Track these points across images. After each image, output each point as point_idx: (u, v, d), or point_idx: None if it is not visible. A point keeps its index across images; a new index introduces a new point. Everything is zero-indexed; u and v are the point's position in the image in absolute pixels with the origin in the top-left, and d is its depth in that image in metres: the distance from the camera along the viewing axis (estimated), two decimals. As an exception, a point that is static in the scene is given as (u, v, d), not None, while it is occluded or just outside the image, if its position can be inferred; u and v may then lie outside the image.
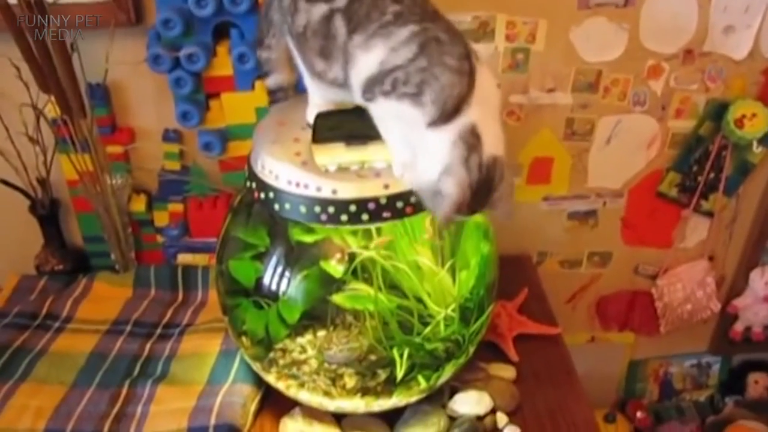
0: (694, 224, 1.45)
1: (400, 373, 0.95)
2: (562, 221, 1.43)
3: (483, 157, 0.75)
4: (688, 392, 1.73)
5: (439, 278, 0.96)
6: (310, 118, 0.89)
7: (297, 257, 0.94)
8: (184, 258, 1.30)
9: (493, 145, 0.76)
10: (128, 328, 1.17)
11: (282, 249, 0.95)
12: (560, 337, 1.20)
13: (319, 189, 0.82)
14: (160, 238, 1.30)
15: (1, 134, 1.19)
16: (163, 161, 1.25)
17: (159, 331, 1.17)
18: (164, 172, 1.26)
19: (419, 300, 0.95)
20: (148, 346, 1.13)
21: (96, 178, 1.20)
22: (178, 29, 1.10)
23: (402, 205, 0.83)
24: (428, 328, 0.95)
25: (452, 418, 1.03)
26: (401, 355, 0.94)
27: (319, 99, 0.89)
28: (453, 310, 0.96)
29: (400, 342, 0.95)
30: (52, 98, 1.13)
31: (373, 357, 0.96)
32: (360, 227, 0.88)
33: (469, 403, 1.04)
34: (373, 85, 0.77)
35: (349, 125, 0.86)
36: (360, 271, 0.93)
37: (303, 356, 0.98)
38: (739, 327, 1.59)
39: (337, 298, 0.94)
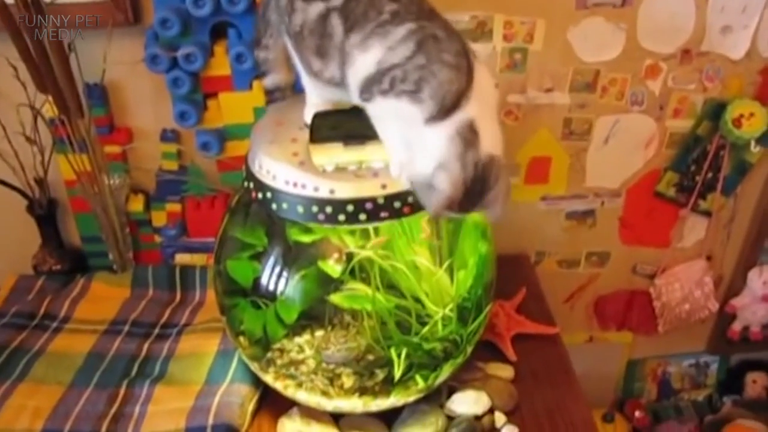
0: (692, 224, 1.45)
1: (398, 373, 0.95)
2: (560, 221, 1.44)
3: (479, 155, 0.75)
4: (686, 392, 1.73)
5: (436, 278, 0.96)
6: (308, 118, 0.89)
7: (295, 257, 0.94)
8: (181, 258, 1.30)
9: (490, 143, 0.76)
10: (126, 328, 1.17)
11: (280, 249, 0.95)
12: (558, 337, 1.20)
13: (316, 189, 0.82)
14: (157, 238, 1.30)
15: (-1, 134, 1.19)
16: (160, 161, 1.25)
17: (157, 331, 1.17)
18: (162, 172, 1.26)
19: (417, 300, 0.95)
20: (146, 346, 1.13)
21: (94, 178, 1.20)
22: (176, 29, 1.10)
23: (399, 205, 0.83)
24: (426, 328, 0.95)
25: (450, 418, 1.03)
26: (399, 355, 0.94)
27: (316, 99, 0.89)
28: (451, 310, 0.96)
29: (398, 342, 0.95)
30: (50, 98, 1.13)
31: (370, 357, 0.96)
32: (357, 227, 0.88)
33: (467, 402, 1.04)
34: (371, 85, 0.77)
35: (347, 125, 0.86)
36: (358, 270, 0.93)
37: (301, 356, 0.98)
38: (737, 326, 1.59)
39: (335, 298, 0.94)
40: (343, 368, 0.97)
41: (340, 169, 0.84)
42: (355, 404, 0.97)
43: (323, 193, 0.82)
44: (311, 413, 1.00)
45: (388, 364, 0.95)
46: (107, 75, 1.16)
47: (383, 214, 0.83)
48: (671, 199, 1.41)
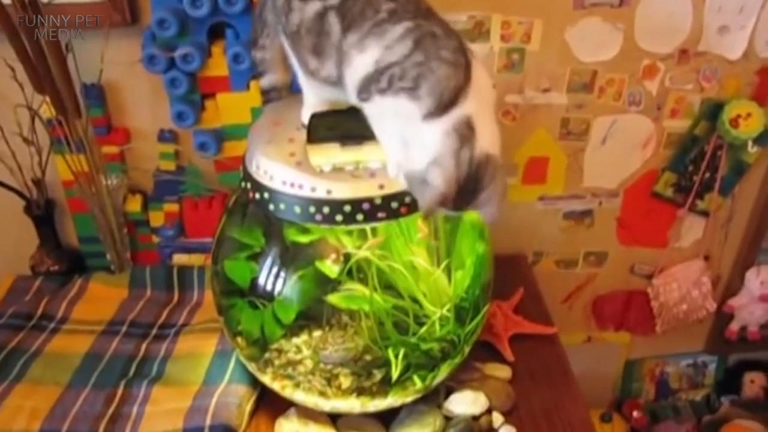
0: (690, 224, 1.46)
1: (395, 374, 0.95)
2: (557, 221, 1.44)
3: (474, 153, 0.75)
4: (684, 392, 1.73)
5: (434, 278, 0.96)
6: (305, 118, 0.89)
7: (292, 257, 0.94)
8: (179, 258, 1.30)
9: (487, 142, 0.76)
10: (124, 328, 1.17)
11: (277, 249, 0.95)
12: (556, 337, 1.20)
13: (313, 189, 0.82)
14: (155, 239, 1.30)
15: (-4, 135, 1.19)
16: (158, 161, 1.25)
17: (154, 331, 1.17)
18: (159, 172, 1.26)
19: (415, 300, 0.95)
20: (143, 346, 1.13)
21: (91, 179, 1.20)
22: (173, 29, 1.09)
23: (397, 206, 0.83)
24: (424, 328, 0.95)
25: (448, 418, 1.03)
26: (397, 356, 0.94)
27: (313, 99, 0.89)
28: (448, 310, 0.96)
29: (395, 342, 0.95)
30: (47, 99, 1.13)
31: (368, 357, 0.96)
32: (355, 227, 0.88)
33: (465, 403, 1.04)
34: (369, 84, 0.77)
35: (344, 125, 0.86)
36: (355, 271, 0.93)
37: (298, 356, 0.98)
38: (734, 326, 1.59)
39: (333, 299, 0.94)
40: (340, 368, 0.96)
41: (337, 170, 0.84)
42: (352, 405, 0.97)
43: (320, 194, 0.82)
44: (309, 414, 1.00)
45: (386, 364, 0.95)
46: (105, 75, 1.16)
47: (380, 215, 0.83)
48: (669, 200, 1.42)
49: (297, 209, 0.84)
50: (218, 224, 1.01)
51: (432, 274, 0.95)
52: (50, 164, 1.23)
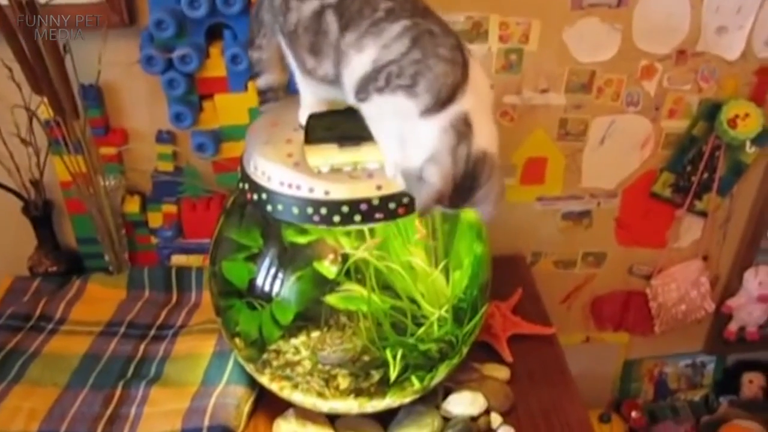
0: (688, 224, 1.46)
1: (393, 374, 0.95)
2: (556, 221, 1.44)
3: (472, 150, 0.75)
4: (682, 392, 1.73)
5: (432, 279, 0.96)
6: (303, 119, 0.89)
7: (290, 258, 0.94)
8: (177, 259, 1.30)
9: (484, 139, 0.76)
10: (122, 329, 1.17)
11: (275, 250, 0.95)
12: (555, 338, 1.20)
13: (311, 190, 0.82)
14: (153, 240, 1.30)
15: (-6, 136, 1.19)
16: (156, 162, 1.25)
17: (153, 332, 1.16)
18: (158, 173, 1.25)
19: (413, 301, 0.95)
20: (141, 347, 1.13)
21: (89, 180, 1.20)
22: (171, 30, 1.09)
23: (394, 206, 0.83)
24: (422, 329, 0.95)
25: (446, 419, 1.03)
26: (395, 356, 0.94)
27: (310, 99, 0.89)
28: (446, 311, 0.96)
29: (393, 343, 0.95)
30: (45, 99, 1.13)
31: (366, 358, 0.96)
32: (353, 228, 0.88)
33: (463, 403, 1.04)
34: (367, 84, 0.77)
35: (342, 126, 0.86)
36: (353, 272, 0.93)
37: (296, 357, 0.98)
38: (733, 327, 1.60)
39: (331, 299, 0.94)
40: (338, 369, 0.96)
41: (335, 171, 0.84)
42: (350, 405, 0.97)
43: (318, 195, 0.82)
44: (307, 414, 1.00)
45: (384, 365, 0.95)
46: (102, 76, 1.16)
47: (378, 216, 0.83)
48: (667, 200, 1.42)
49: (295, 210, 0.84)
50: (216, 225, 1.01)
51: (430, 275, 0.95)
52: (48, 165, 1.23)
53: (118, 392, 1.04)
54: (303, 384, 0.97)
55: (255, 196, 0.87)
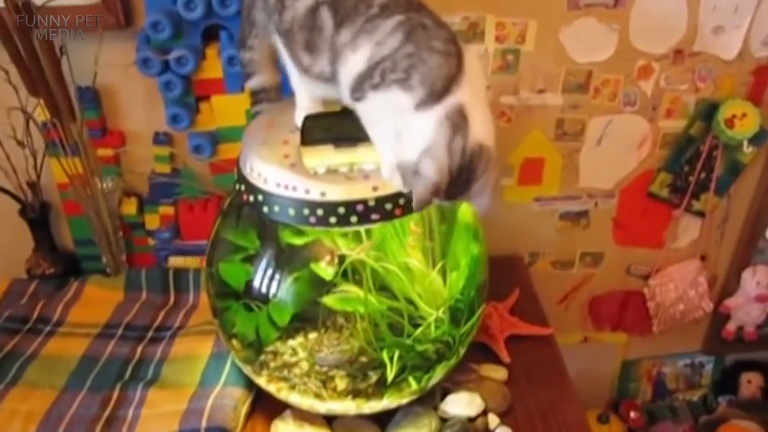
0: (686, 224, 1.46)
1: (390, 375, 0.95)
2: (553, 222, 1.44)
3: (468, 142, 0.74)
4: (681, 392, 1.73)
5: (429, 279, 0.96)
6: (299, 120, 0.89)
7: (287, 260, 0.94)
8: (175, 261, 1.30)
9: (480, 132, 0.75)
10: (119, 331, 1.17)
11: (272, 251, 0.95)
12: (552, 338, 1.20)
13: (307, 191, 0.82)
14: (151, 241, 1.30)
15: (-9, 138, 1.19)
16: (153, 164, 1.25)
17: (150, 334, 1.16)
18: (155, 175, 1.25)
19: (410, 301, 0.95)
20: (139, 349, 1.13)
21: (86, 182, 1.20)
22: (168, 32, 1.09)
23: (391, 207, 0.83)
24: (419, 330, 0.95)
25: (443, 420, 1.03)
26: (392, 357, 0.94)
27: (306, 100, 0.89)
28: (443, 312, 0.96)
29: (390, 344, 0.95)
30: (42, 101, 1.13)
31: (363, 359, 0.96)
32: (349, 229, 0.88)
33: (461, 404, 1.04)
34: (362, 82, 0.77)
35: (338, 127, 0.86)
36: (350, 273, 0.92)
37: (294, 359, 0.98)
38: (731, 327, 1.60)
39: (328, 300, 0.94)
40: (336, 370, 0.96)
41: (331, 172, 0.84)
42: (348, 406, 0.97)
43: (314, 196, 0.82)
44: (304, 416, 1.00)
45: (381, 366, 0.95)
46: (99, 78, 1.16)
47: (374, 217, 0.83)
48: (665, 200, 1.42)
49: (291, 211, 0.84)
50: (213, 227, 1.01)
51: (427, 276, 0.95)
52: (45, 167, 1.23)
53: (115, 394, 1.04)
54: (300, 385, 0.97)
55: (251, 198, 0.87)
